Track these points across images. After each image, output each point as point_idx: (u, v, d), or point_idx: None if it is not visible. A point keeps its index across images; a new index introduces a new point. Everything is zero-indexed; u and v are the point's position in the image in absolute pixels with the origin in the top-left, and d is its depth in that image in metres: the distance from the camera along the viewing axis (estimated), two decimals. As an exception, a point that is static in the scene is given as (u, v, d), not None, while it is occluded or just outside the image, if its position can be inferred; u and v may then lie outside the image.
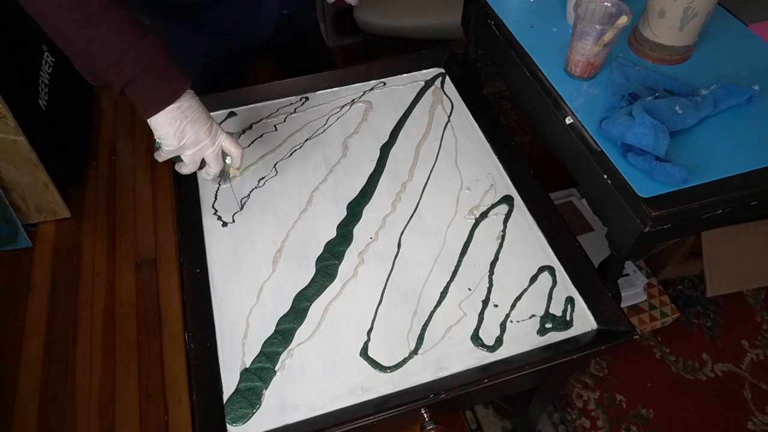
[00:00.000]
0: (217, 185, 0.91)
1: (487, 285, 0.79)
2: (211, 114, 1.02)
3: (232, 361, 0.72)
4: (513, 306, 0.77)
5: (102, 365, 1.38)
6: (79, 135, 1.84)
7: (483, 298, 0.78)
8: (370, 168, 0.94)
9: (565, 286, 0.79)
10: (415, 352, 0.73)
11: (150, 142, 1.88)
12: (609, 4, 0.83)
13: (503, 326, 0.75)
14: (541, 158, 1.65)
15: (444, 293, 0.78)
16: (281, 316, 0.76)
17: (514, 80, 1.01)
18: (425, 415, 0.75)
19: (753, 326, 1.40)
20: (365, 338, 0.74)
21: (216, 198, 0.90)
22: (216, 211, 0.88)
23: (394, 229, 0.86)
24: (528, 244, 0.84)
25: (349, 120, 1.02)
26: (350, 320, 0.76)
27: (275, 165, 0.95)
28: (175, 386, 1.35)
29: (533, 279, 0.80)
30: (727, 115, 0.83)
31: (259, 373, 0.71)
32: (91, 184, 1.77)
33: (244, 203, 0.89)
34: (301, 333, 0.75)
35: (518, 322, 0.76)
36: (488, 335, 0.74)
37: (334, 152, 0.97)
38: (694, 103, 0.80)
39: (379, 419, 0.65)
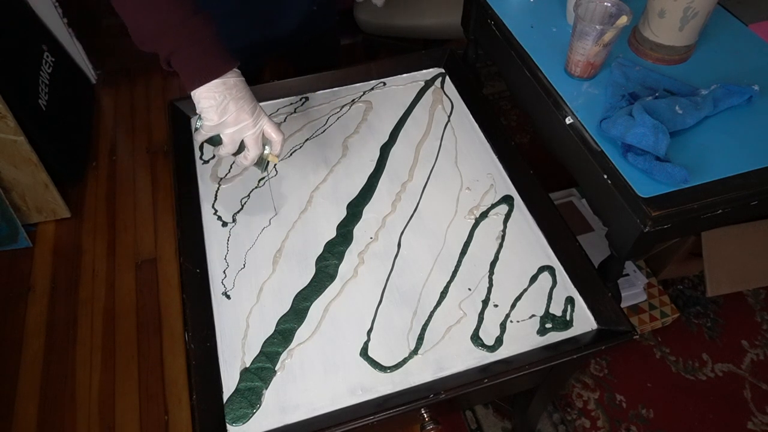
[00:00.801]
0: (258, 180, 0.91)
1: (487, 285, 0.79)
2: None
3: (232, 361, 0.72)
4: (513, 306, 0.77)
5: (102, 365, 1.38)
6: (79, 135, 1.84)
7: (483, 298, 0.78)
8: (370, 168, 0.94)
9: (565, 286, 0.79)
10: (415, 352, 0.73)
11: (150, 143, 1.89)
12: (609, 4, 0.83)
13: (503, 326, 0.75)
14: (541, 158, 1.65)
15: (444, 293, 0.78)
16: (281, 316, 0.76)
17: (514, 80, 1.01)
18: (425, 415, 0.75)
19: (753, 326, 1.40)
20: (365, 338, 0.74)
21: (216, 198, 0.90)
22: (216, 211, 0.88)
23: (394, 229, 0.86)
24: (528, 244, 0.84)
25: (349, 120, 1.02)
26: (350, 320, 0.76)
27: (275, 165, 0.94)
28: (175, 386, 1.35)
29: (533, 279, 0.80)
30: (727, 115, 0.83)
31: (259, 373, 0.71)
32: (91, 184, 1.77)
33: (245, 203, 0.89)
34: (301, 333, 0.75)
35: (518, 322, 0.76)
36: (488, 335, 0.74)
37: (334, 152, 0.97)
38: (694, 103, 0.80)
39: (379, 419, 0.65)
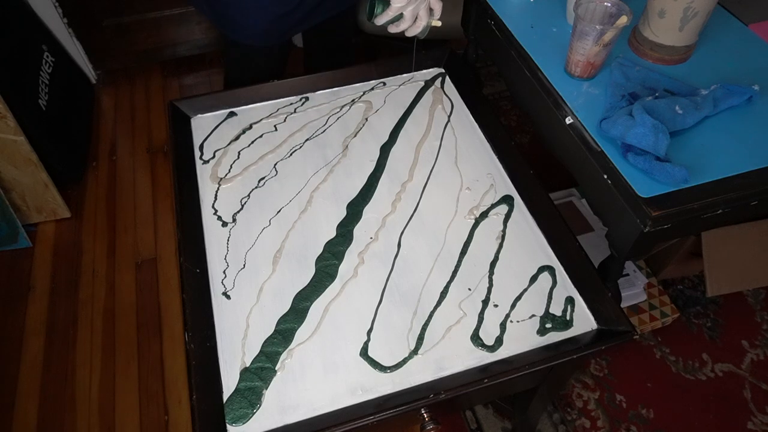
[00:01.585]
0: (415, 39, 0.98)
1: (487, 285, 0.79)
2: (211, 114, 1.03)
3: (232, 360, 0.72)
4: (513, 306, 0.77)
5: (102, 365, 1.38)
6: (79, 135, 1.84)
7: (483, 298, 0.78)
8: (370, 168, 0.94)
9: (565, 286, 0.79)
10: (415, 352, 0.73)
11: (150, 143, 1.89)
12: (609, 4, 0.83)
13: (503, 326, 0.75)
14: (541, 158, 1.65)
15: (444, 293, 0.78)
16: (281, 315, 0.76)
17: (514, 80, 1.01)
18: (425, 415, 0.75)
19: (753, 326, 1.40)
20: (365, 338, 0.74)
21: (216, 198, 0.90)
22: (216, 211, 0.88)
23: (394, 229, 0.86)
24: (528, 244, 0.84)
25: (349, 120, 1.02)
26: (350, 320, 0.76)
27: (275, 165, 0.94)
28: (175, 386, 1.35)
29: (533, 279, 0.80)
30: (727, 115, 0.83)
31: (259, 373, 0.71)
32: (91, 184, 1.77)
33: (245, 203, 0.89)
34: (301, 333, 0.75)
35: (518, 322, 0.76)
36: (488, 335, 0.74)
37: (334, 152, 0.97)
38: (694, 103, 0.80)
39: (379, 419, 0.65)
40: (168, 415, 1.30)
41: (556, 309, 0.77)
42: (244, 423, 0.67)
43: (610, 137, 0.80)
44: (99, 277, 1.55)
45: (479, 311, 0.76)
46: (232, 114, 1.03)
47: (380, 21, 0.90)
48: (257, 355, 0.72)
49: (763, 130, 0.81)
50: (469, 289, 0.79)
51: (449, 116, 1.02)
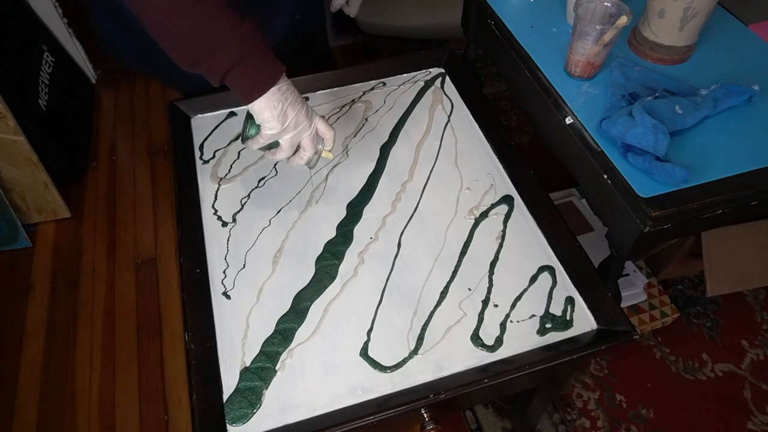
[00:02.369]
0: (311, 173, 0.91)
1: (487, 285, 0.79)
2: (211, 114, 1.03)
3: (232, 360, 0.72)
4: (513, 306, 0.77)
5: (102, 365, 1.38)
6: (79, 135, 1.84)
7: (483, 298, 0.78)
8: (370, 168, 0.94)
9: (565, 286, 0.79)
10: (415, 352, 0.73)
11: (150, 143, 1.89)
12: (609, 4, 0.83)
13: (503, 326, 0.75)
14: (541, 158, 1.65)
15: (444, 293, 0.78)
16: (281, 315, 0.76)
17: (514, 80, 1.01)
18: (425, 415, 0.75)
19: (753, 326, 1.40)
20: (365, 338, 0.74)
21: (216, 198, 0.90)
22: (216, 211, 0.88)
23: (394, 229, 0.86)
24: (528, 244, 0.84)
25: (349, 120, 1.02)
26: (350, 320, 0.76)
27: (275, 165, 0.94)
28: (175, 386, 1.35)
29: (533, 279, 0.80)
30: (727, 115, 0.83)
31: (259, 373, 0.71)
32: (91, 184, 1.77)
33: (245, 203, 0.89)
34: (301, 333, 0.75)
35: (518, 322, 0.76)
36: (488, 335, 0.74)
37: (334, 152, 0.97)
38: (694, 103, 0.80)
39: (379, 419, 0.65)
40: (168, 415, 1.30)
41: (556, 309, 0.77)
42: (244, 423, 0.67)
43: (610, 137, 0.80)
44: (99, 277, 1.55)
45: (479, 311, 0.76)
46: (232, 114, 1.03)
47: (253, 146, 0.76)
48: (257, 355, 0.72)
49: (763, 130, 0.81)
50: (469, 289, 0.79)
51: (449, 116, 1.02)
